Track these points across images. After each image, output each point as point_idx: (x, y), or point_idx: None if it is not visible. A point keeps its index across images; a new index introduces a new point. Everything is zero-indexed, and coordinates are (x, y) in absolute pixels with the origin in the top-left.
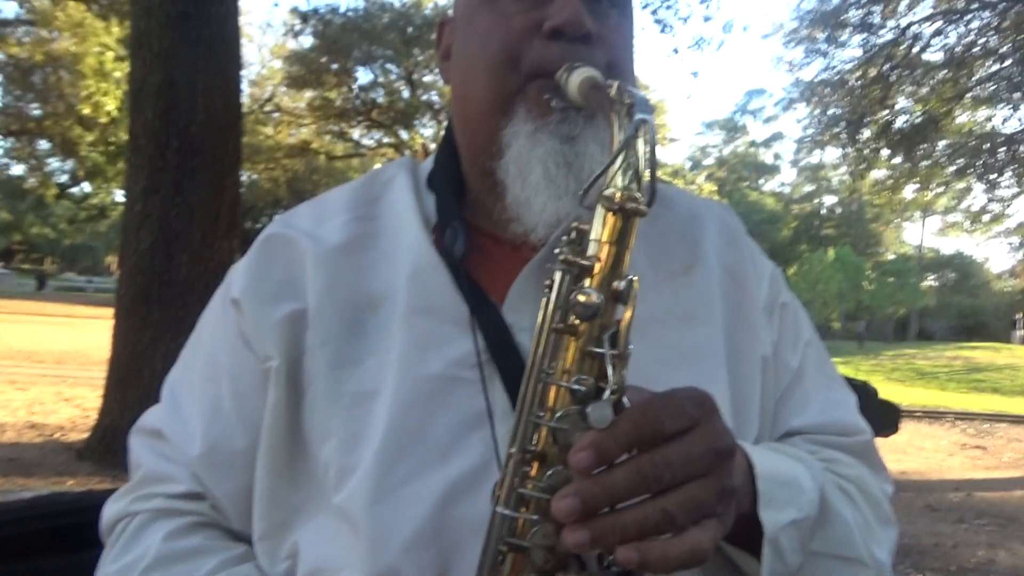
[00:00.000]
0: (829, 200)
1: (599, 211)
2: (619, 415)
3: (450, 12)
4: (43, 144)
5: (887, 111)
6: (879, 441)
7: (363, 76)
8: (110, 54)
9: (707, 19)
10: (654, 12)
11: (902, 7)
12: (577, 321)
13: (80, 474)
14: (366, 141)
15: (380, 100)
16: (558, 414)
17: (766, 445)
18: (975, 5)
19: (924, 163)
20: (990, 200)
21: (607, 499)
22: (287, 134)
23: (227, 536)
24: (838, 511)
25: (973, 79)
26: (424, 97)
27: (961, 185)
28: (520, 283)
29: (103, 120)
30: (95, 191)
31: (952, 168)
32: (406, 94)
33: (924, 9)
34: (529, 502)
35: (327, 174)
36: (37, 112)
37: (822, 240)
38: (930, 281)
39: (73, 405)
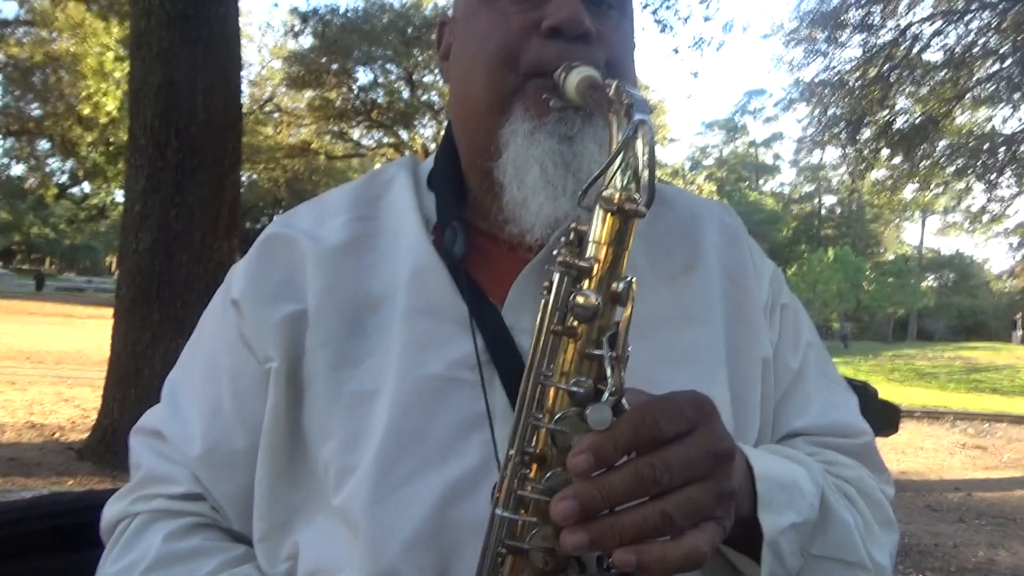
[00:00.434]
0: (829, 200)
1: (597, 212)
2: (618, 417)
3: (450, 12)
4: (43, 144)
5: (887, 111)
6: (879, 441)
7: (363, 76)
8: (110, 54)
9: (707, 19)
10: (654, 12)
11: (902, 7)
12: (576, 323)
13: (80, 474)
14: (366, 141)
15: (380, 100)
16: (557, 416)
17: (766, 448)
18: (975, 5)
19: (924, 163)
20: (990, 200)
21: (605, 502)
22: (287, 134)
23: (227, 537)
24: (838, 514)
25: (973, 79)
26: (424, 97)
27: (961, 185)
28: (519, 284)
29: (103, 120)
30: (95, 191)
31: (952, 168)
32: (406, 94)
33: (924, 9)
34: (528, 504)
35: (327, 174)
36: (37, 112)
37: (822, 240)
38: (930, 281)
39: (73, 405)
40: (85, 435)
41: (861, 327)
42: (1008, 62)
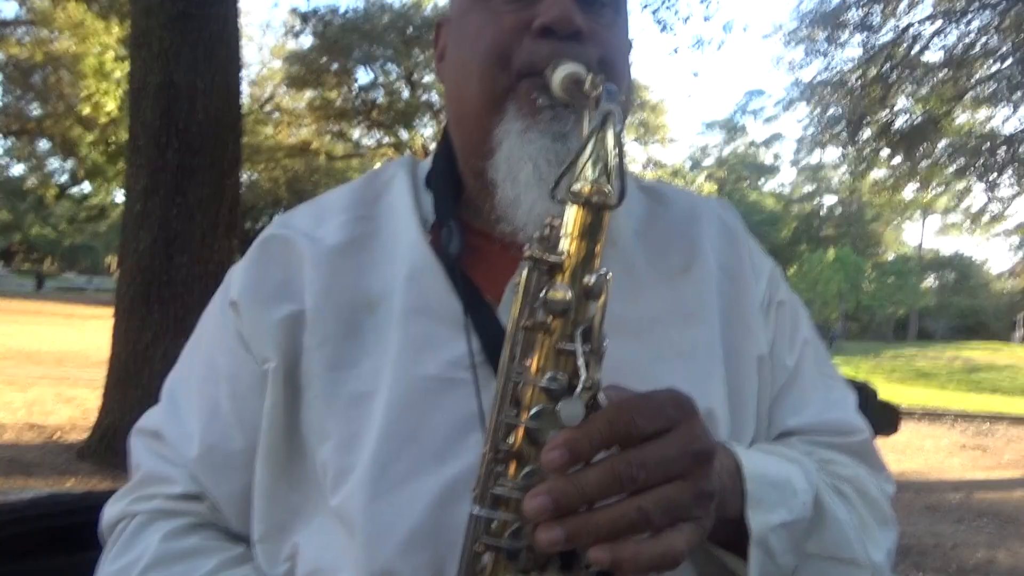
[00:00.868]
0: (829, 200)
1: (569, 206)
2: (594, 413)
3: (448, 14)
4: (43, 144)
5: (887, 111)
6: (879, 441)
7: (363, 76)
8: (110, 54)
9: (707, 19)
10: (654, 12)
11: (902, 7)
12: (550, 318)
13: (80, 474)
14: (366, 141)
15: (380, 100)
16: (532, 412)
17: (760, 447)
18: (975, 5)
19: (924, 163)
20: (990, 200)
21: (580, 498)
22: (287, 134)
23: (226, 537)
24: (833, 512)
25: (973, 79)
26: (424, 97)
27: (961, 185)
28: (514, 284)
29: (103, 120)
30: (95, 191)
31: (952, 168)
32: (406, 94)
33: (924, 9)
34: (505, 502)
35: (327, 174)
36: (37, 112)
37: (822, 240)
38: (930, 281)
39: (73, 405)
40: (85, 435)
41: (861, 327)
42: (1008, 62)
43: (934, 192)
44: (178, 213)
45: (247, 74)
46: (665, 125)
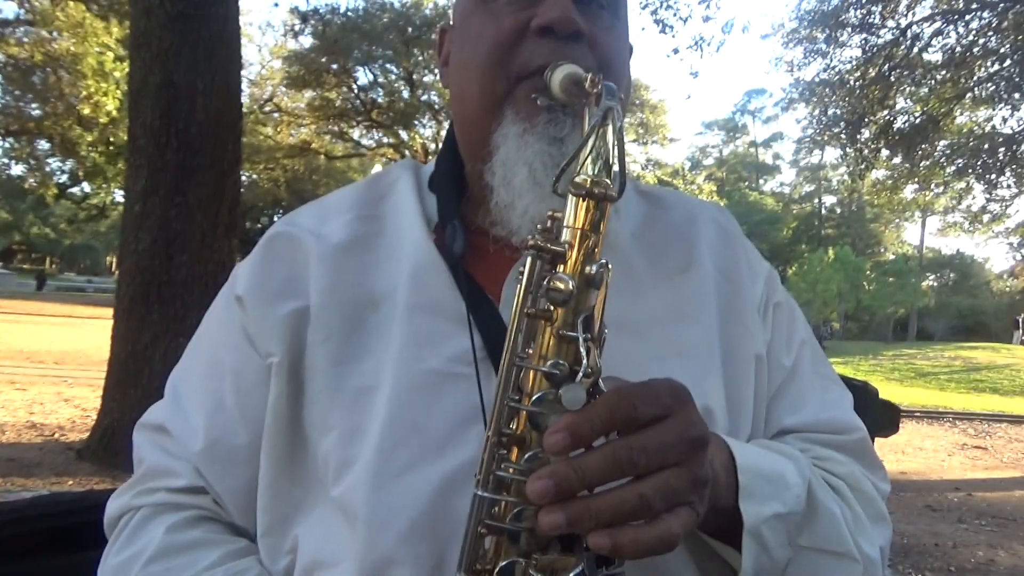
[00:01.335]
0: (829, 200)
1: (570, 198)
2: (595, 399)
3: (451, 21)
4: (43, 144)
5: (887, 111)
6: (879, 441)
7: (363, 76)
8: (110, 54)
9: (707, 19)
10: (654, 12)
11: (902, 7)
12: (552, 307)
13: (80, 474)
14: (366, 141)
15: (380, 100)
16: (534, 398)
17: (755, 442)
18: (975, 5)
19: (924, 163)
20: (990, 200)
21: (580, 482)
22: (287, 134)
23: (228, 530)
24: (826, 506)
25: (973, 79)
26: (424, 97)
27: (961, 185)
28: (512, 281)
29: (103, 120)
30: (95, 191)
31: (952, 168)
32: (406, 94)
33: (924, 9)
34: (508, 485)
35: (327, 174)
36: (37, 112)
37: (822, 240)
38: (930, 281)
39: (73, 405)
40: (85, 435)
41: (861, 327)
42: (1008, 62)
43: (934, 192)
44: (178, 213)
45: (247, 74)
46: (665, 125)
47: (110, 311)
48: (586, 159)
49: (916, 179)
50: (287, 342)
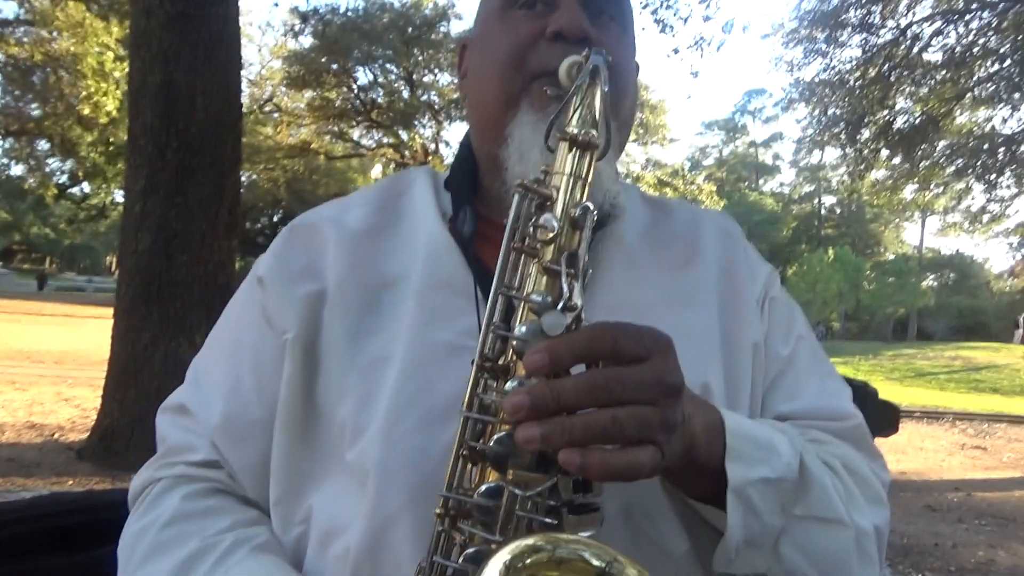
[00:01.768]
0: (829, 200)
1: (559, 147)
2: (578, 328)
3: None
4: (43, 144)
5: (887, 111)
6: (879, 441)
7: (363, 76)
8: (110, 54)
9: (707, 19)
10: (654, 12)
11: (902, 7)
12: (539, 244)
13: (80, 474)
14: (366, 141)
15: (380, 100)
16: (519, 327)
17: (752, 419)
18: (975, 5)
19: (924, 163)
20: (990, 200)
21: (556, 401)
22: (287, 134)
23: (241, 502)
24: (818, 477)
25: (973, 79)
26: (424, 97)
27: (961, 185)
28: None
29: (103, 120)
30: (95, 191)
31: (952, 168)
32: (406, 94)
33: (924, 9)
34: (491, 408)
35: (327, 174)
36: (37, 112)
37: (822, 240)
38: (930, 281)
39: (73, 405)
40: (85, 435)
41: (861, 327)
42: (1008, 62)
43: (934, 192)
44: (178, 213)
45: (247, 74)
46: (665, 125)
47: (110, 311)
48: (573, 114)
49: (916, 179)
50: (303, 320)
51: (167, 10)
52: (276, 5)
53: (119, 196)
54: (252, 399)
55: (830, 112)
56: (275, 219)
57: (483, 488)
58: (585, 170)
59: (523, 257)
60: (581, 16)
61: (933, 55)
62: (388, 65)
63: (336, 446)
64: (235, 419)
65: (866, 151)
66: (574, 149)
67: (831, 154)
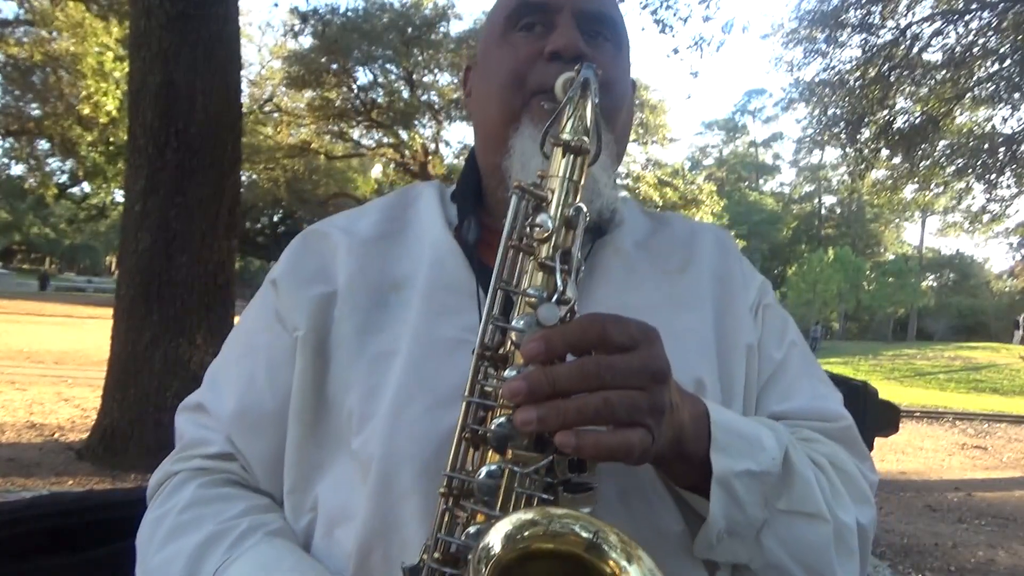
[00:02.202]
0: (829, 200)
1: (554, 152)
2: (570, 319)
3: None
4: (43, 144)
5: (887, 111)
6: (879, 441)
7: (363, 76)
8: (110, 54)
9: (707, 19)
10: (654, 12)
11: (902, 7)
12: (535, 243)
13: (80, 474)
14: (366, 141)
15: (380, 100)
16: (516, 318)
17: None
18: (975, 5)
19: (924, 163)
20: (990, 200)
21: (551, 386)
22: (287, 134)
23: (254, 492)
24: (802, 473)
25: (973, 79)
26: (424, 97)
27: (961, 185)
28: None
29: (103, 120)
30: (95, 191)
31: (952, 168)
32: (406, 94)
33: (924, 9)
34: (490, 394)
35: (327, 174)
36: (37, 112)
37: (822, 240)
38: (930, 281)
39: (73, 405)
40: (85, 435)
41: (861, 327)
42: (1008, 62)
43: (934, 192)
44: (178, 213)
45: (247, 74)
46: (665, 125)
47: (110, 311)
48: (566, 122)
49: (916, 179)
50: (313, 319)
51: (167, 10)
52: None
53: (119, 196)
54: (265, 393)
55: (830, 112)
56: (275, 219)
57: (485, 469)
58: (578, 173)
59: (520, 255)
60: (577, 37)
61: (933, 55)
62: (388, 65)
63: (343, 436)
64: (249, 412)
65: (866, 151)
66: (567, 154)
67: (831, 154)
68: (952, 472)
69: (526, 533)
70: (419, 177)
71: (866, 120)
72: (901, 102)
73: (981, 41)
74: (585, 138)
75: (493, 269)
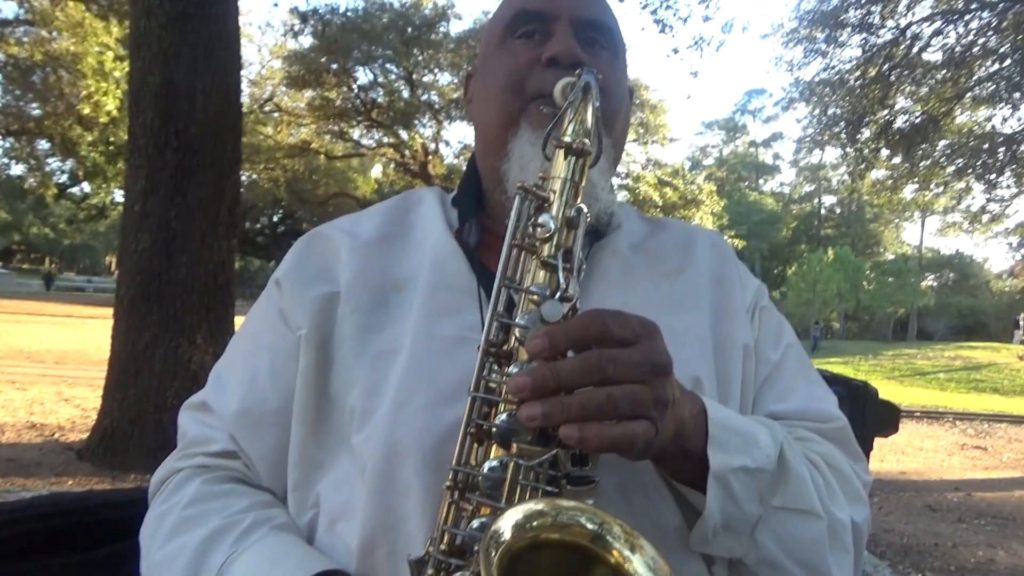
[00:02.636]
0: (829, 200)
1: (555, 154)
2: (572, 316)
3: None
4: (43, 144)
5: (887, 111)
6: (879, 441)
7: (363, 76)
8: (110, 54)
9: (707, 19)
10: (654, 12)
11: (902, 7)
12: (538, 242)
13: (80, 474)
14: (366, 141)
15: (380, 100)
16: (520, 315)
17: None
18: (975, 5)
19: (924, 163)
20: (989, 200)
21: (555, 380)
22: (287, 134)
23: (257, 488)
24: (797, 470)
25: (973, 79)
26: (424, 97)
27: (961, 185)
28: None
29: (103, 120)
30: (95, 191)
31: (952, 168)
32: (406, 94)
33: (924, 9)
34: (495, 390)
35: (327, 174)
36: (37, 112)
37: (822, 240)
38: (929, 281)
39: (73, 405)
40: (85, 435)
41: (861, 327)
42: (1008, 62)
43: (934, 192)
44: (178, 213)
45: (247, 74)
46: (665, 125)
47: (110, 311)
48: (568, 125)
49: (916, 179)
50: (316, 318)
51: (167, 10)
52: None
53: (119, 196)
54: (268, 391)
55: (830, 112)
56: (275, 219)
57: (490, 463)
58: (579, 175)
59: (523, 254)
60: (574, 43)
61: (933, 55)
62: (388, 65)
63: (345, 433)
64: (252, 409)
65: (866, 151)
66: (569, 156)
67: (831, 154)
68: (952, 472)
69: (535, 523)
70: (419, 177)
71: (866, 120)
72: (901, 102)
73: (981, 41)
74: (586, 140)
75: (494, 270)
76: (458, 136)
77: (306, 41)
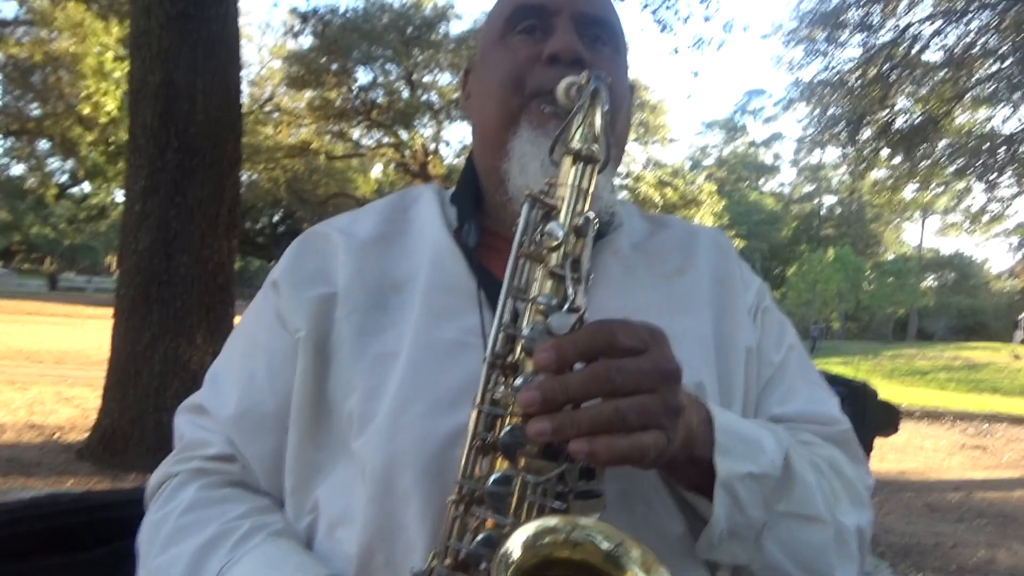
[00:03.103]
0: (829, 200)
1: (563, 161)
2: (580, 327)
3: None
4: (43, 144)
5: (887, 111)
6: (879, 441)
7: (363, 76)
8: (110, 54)
9: (707, 19)
10: (654, 12)
11: (902, 7)
12: (545, 251)
13: (80, 474)
14: (366, 141)
15: (380, 100)
16: (527, 326)
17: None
18: (975, 5)
19: (924, 163)
20: (990, 200)
21: (564, 394)
22: (287, 134)
23: (255, 492)
24: (802, 475)
25: (973, 79)
26: (424, 97)
27: (961, 185)
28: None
29: (103, 120)
30: (95, 191)
31: (952, 168)
32: (406, 94)
33: (924, 9)
34: (501, 403)
35: (327, 174)
36: (37, 112)
37: (822, 240)
38: (929, 281)
39: (73, 405)
40: (85, 435)
41: (861, 327)
42: (1008, 62)
43: (934, 192)
44: (177, 213)
45: (247, 74)
46: (665, 125)
47: (110, 311)
48: (576, 131)
49: (916, 179)
50: (314, 320)
51: (167, 10)
52: (276, 5)
53: (119, 196)
54: (266, 393)
55: (830, 112)
56: (275, 219)
57: (495, 476)
58: (587, 182)
59: (530, 262)
60: (575, 40)
61: (933, 55)
62: (388, 65)
63: (343, 437)
64: (249, 412)
65: (866, 151)
66: (577, 163)
67: (831, 154)
68: (952, 472)
69: (547, 540)
70: (419, 177)
71: (866, 120)
72: (901, 102)
73: (981, 41)
74: (595, 146)
75: (494, 273)
76: (458, 136)
77: (306, 41)
